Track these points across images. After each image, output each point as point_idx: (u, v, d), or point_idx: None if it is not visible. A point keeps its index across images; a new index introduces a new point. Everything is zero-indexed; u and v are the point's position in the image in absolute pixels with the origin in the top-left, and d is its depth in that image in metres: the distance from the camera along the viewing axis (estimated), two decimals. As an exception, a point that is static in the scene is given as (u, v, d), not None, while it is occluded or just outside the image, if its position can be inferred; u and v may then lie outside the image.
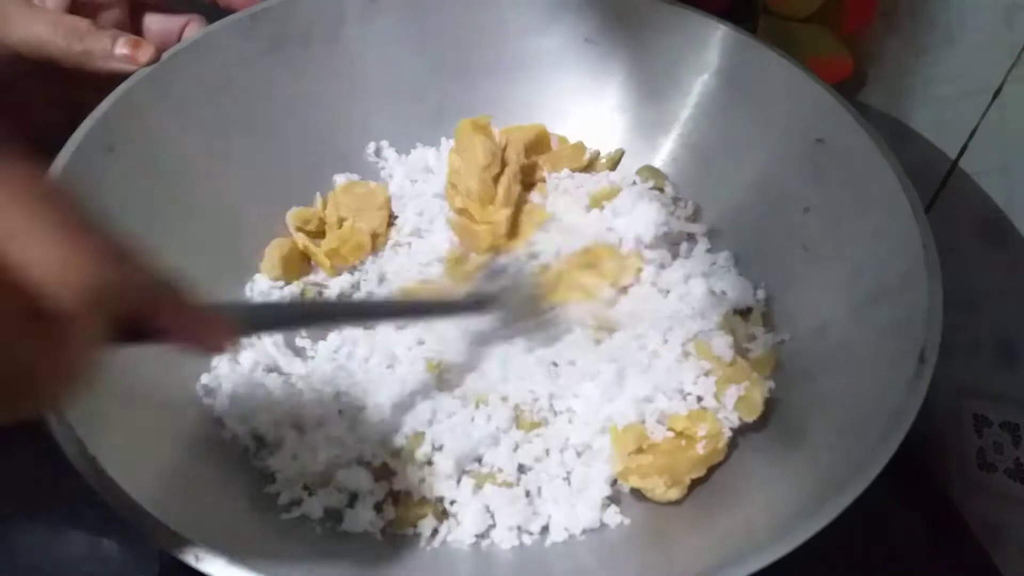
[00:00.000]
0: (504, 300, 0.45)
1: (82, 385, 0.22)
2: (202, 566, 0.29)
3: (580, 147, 0.55)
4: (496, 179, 0.51)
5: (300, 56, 0.51)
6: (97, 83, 0.44)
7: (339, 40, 0.52)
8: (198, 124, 0.47)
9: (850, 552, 0.44)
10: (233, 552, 0.30)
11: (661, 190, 0.52)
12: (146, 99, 0.45)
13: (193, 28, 0.50)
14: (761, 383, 0.42)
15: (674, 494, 0.39)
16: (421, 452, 0.41)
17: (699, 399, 0.42)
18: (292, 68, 0.51)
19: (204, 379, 0.43)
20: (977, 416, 0.49)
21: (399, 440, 0.41)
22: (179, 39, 0.50)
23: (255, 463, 0.41)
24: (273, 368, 0.45)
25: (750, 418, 0.41)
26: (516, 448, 0.42)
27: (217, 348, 0.27)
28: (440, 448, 0.41)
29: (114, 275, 0.21)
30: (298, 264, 0.50)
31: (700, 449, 0.40)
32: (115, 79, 0.44)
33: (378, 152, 0.55)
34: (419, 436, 0.41)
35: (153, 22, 0.50)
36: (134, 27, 0.49)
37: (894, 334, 0.38)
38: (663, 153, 0.55)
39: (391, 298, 0.48)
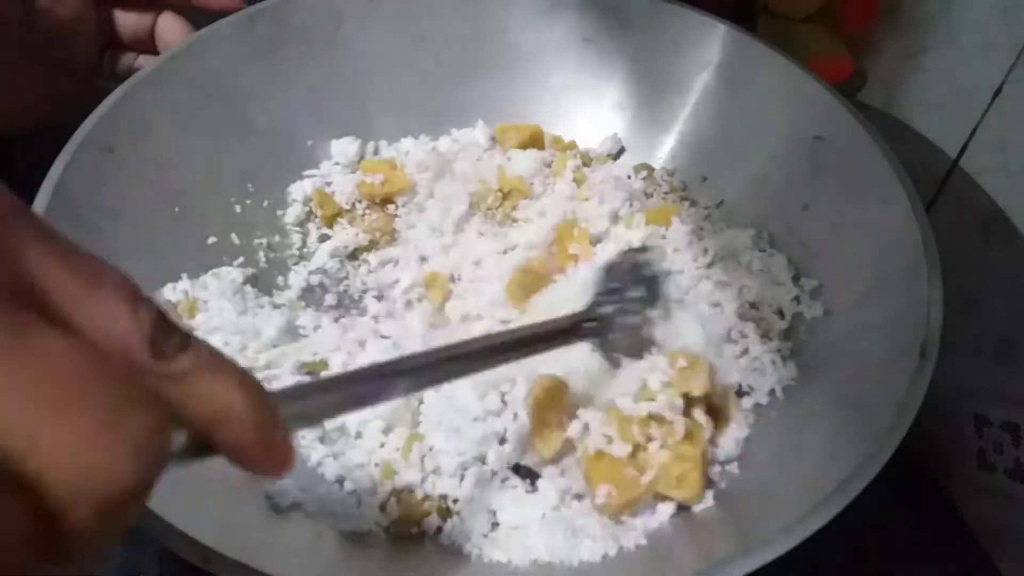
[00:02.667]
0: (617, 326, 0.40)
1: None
2: (209, 567, 0.29)
3: (573, 146, 0.55)
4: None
5: (299, 56, 0.51)
6: (71, 64, 0.43)
7: (337, 40, 0.52)
8: (197, 124, 0.47)
9: (849, 552, 0.44)
10: (240, 552, 0.30)
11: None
12: (145, 100, 0.45)
13: (167, 20, 0.49)
14: (699, 463, 0.38)
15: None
16: (420, 450, 0.41)
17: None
18: (291, 68, 0.51)
19: None
20: (977, 416, 0.49)
21: (400, 438, 0.41)
22: (152, 33, 0.49)
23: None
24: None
25: (688, 499, 0.39)
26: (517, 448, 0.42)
27: (279, 472, 0.22)
28: (441, 447, 0.41)
29: (148, 458, 0.17)
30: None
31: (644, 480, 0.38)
32: (92, 61, 0.43)
33: (376, 151, 0.55)
34: (417, 435, 0.41)
35: (125, 19, 0.49)
36: (102, 19, 0.48)
37: (895, 330, 0.38)
38: (663, 151, 0.55)
39: (477, 341, 0.35)
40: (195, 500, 0.35)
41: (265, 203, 0.51)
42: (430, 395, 0.43)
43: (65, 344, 0.17)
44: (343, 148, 0.53)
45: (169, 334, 0.19)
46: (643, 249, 0.45)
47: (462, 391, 0.42)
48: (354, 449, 0.41)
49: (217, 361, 0.20)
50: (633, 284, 0.42)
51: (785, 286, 0.47)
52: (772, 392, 0.43)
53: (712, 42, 0.51)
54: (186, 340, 0.20)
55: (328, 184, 0.53)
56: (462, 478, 0.40)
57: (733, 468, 0.41)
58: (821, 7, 0.56)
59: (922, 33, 0.51)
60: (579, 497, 0.40)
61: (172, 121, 0.46)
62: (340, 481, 0.40)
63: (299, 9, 0.51)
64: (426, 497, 0.40)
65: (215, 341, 0.42)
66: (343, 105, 0.54)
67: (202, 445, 0.20)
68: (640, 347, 0.42)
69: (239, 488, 0.39)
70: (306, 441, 0.42)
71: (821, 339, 0.44)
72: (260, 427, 0.20)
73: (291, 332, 0.46)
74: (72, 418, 0.16)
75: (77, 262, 0.18)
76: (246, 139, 0.50)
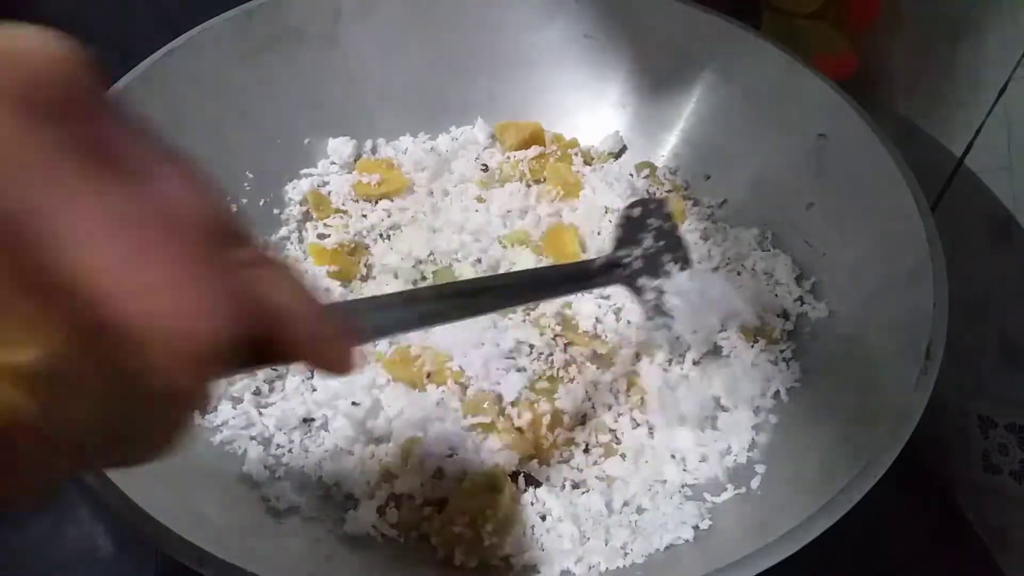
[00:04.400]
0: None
1: (177, 443, 0.18)
2: (205, 569, 0.29)
3: (574, 144, 0.55)
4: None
5: (296, 53, 0.51)
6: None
7: (335, 36, 0.52)
8: (194, 122, 0.47)
9: (854, 553, 0.44)
10: (236, 556, 0.30)
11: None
12: (141, 97, 0.44)
13: None
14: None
15: None
16: (419, 455, 0.40)
17: None
18: (288, 65, 0.51)
19: None
20: (982, 418, 0.48)
21: (398, 443, 0.41)
22: None
23: (255, 467, 0.40)
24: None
25: None
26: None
27: (345, 370, 0.21)
28: (441, 451, 0.41)
29: (237, 316, 0.17)
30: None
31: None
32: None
33: (374, 149, 0.55)
34: (416, 439, 0.41)
35: None
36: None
37: (900, 330, 0.38)
38: (665, 149, 0.54)
39: (520, 273, 0.41)
40: (192, 503, 0.34)
41: (262, 202, 0.50)
42: (430, 397, 0.42)
43: (155, 201, 0.16)
44: (340, 147, 0.53)
45: (234, 222, 0.19)
46: (652, 201, 0.44)
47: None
48: (352, 453, 0.41)
49: (277, 260, 0.19)
50: (649, 235, 0.41)
51: (789, 287, 0.46)
52: (776, 394, 0.43)
53: (715, 39, 0.51)
54: (248, 234, 0.19)
55: (324, 184, 0.53)
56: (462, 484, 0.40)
57: (738, 471, 0.41)
58: (825, 3, 0.55)
59: (927, 30, 0.50)
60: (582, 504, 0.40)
61: (168, 119, 0.46)
62: (337, 484, 0.40)
63: (296, 6, 0.50)
64: (425, 502, 0.39)
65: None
66: (341, 103, 0.53)
67: (261, 351, 0.19)
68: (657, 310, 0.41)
69: (237, 491, 0.38)
70: (304, 441, 0.41)
71: (825, 340, 0.44)
72: (321, 319, 0.20)
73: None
74: (160, 264, 0.15)
75: (154, 137, 0.18)
76: (243, 137, 0.49)
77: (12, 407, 0.15)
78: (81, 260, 0.15)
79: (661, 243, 0.41)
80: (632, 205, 0.42)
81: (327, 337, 0.20)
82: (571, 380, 0.43)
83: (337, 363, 0.21)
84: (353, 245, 0.49)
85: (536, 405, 0.42)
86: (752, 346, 0.44)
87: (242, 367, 0.19)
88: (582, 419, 0.43)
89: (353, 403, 0.42)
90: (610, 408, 0.43)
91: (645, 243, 0.41)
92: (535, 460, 0.41)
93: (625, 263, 0.40)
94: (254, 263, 0.19)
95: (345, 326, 0.21)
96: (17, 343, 0.14)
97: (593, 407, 0.43)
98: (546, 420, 0.41)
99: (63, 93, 0.16)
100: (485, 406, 0.42)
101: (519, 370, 0.43)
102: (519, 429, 0.41)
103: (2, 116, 0.15)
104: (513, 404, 0.42)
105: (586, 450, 0.42)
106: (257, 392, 0.43)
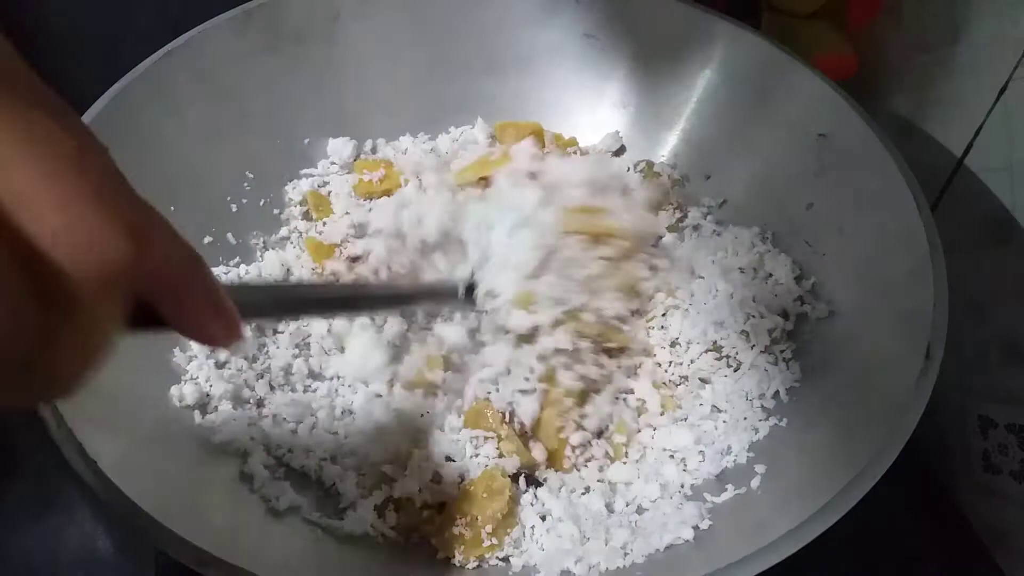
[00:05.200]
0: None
1: (91, 374, 0.19)
2: (205, 569, 0.29)
3: (573, 143, 0.55)
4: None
5: (295, 52, 0.51)
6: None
7: (334, 36, 0.52)
8: (193, 122, 0.47)
9: (854, 553, 0.44)
10: (236, 556, 0.30)
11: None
12: (141, 98, 0.44)
13: None
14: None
15: None
16: (418, 459, 0.40)
17: None
18: (287, 64, 0.51)
19: (174, 389, 0.41)
20: (982, 418, 0.48)
21: (396, 447, 0.41)
22: None
23: (255, 467, 0.40)
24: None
25: None
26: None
27: (224, 342, 0.23)
28: (439, 456, 0.41)
29: (139, 250, 0.18)
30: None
31: None
32: None
33: (374, 149, 0.55)
34: (415, 442, 0.41)
35: None
36: None
37: (900, 331, 0.38)
38: (665, 149, 0.54)
39: (395, 284, 0.45)
40: (192, 503, 0.34)
41: (262, 202, 0.50)
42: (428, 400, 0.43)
43: (60, 127, 0.17)
44: (339, 148, 0.53)
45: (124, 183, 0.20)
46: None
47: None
48: (353, 454, 0.41)
49: (168, 224, 0.21)
50: None
51: (789, 286, 0.46)
52: (776, 394, 0.43)
53: (715, 39, 0.51)
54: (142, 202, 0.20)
55: (324, 184, 0.53)
56: (459, 487, 0.40)
57: (738, 471, 0.41)
58: (825, 3, 0.55)
59: (927, 30, 0.50)
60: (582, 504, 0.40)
61: (168, 119, 0.46)
62: (336, 485, 0.40)
63: (296, 6, 0.50)
64: (425, 506, 0.39)
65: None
66: (340, 103, 0.53)
67: (149, 316, 0.21)
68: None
69: (237, 491, 0.38)
70: (303, 443, 0.41)
71: (825, 340, 0.44)
72: (209, 286, 0.21)
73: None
74: (76, 183, 0.17)
75: (59, 102, 0.19)
76: (242, 137, 0.49)
77: None
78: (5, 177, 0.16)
79: None
80: None
81: (214, 304, 0.22)
82: (572, 382, 0.43)
83: (219, 331, 0.23)
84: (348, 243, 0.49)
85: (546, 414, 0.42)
86: (752, 347, 0.44)
87: (136, 326, 0.20)
88: (583, 419, 0.43)
89: (351, 410, 0.42)
90: (610, 408, 0.43)
91: None
92: (549, 467, 0.41)
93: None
94: (154, 219, 0.20)
95: (227, 302, 0.23)
96: None
97: (594, 408, 0.44)
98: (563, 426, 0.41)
99: None
100: (488, 415, 0.42)
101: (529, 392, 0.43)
102: (522, 436, 0.41)
103: None
104: (532, 430, 0.42)
105: (588, 453, 0.42)
106: (264, 386, 0.43)
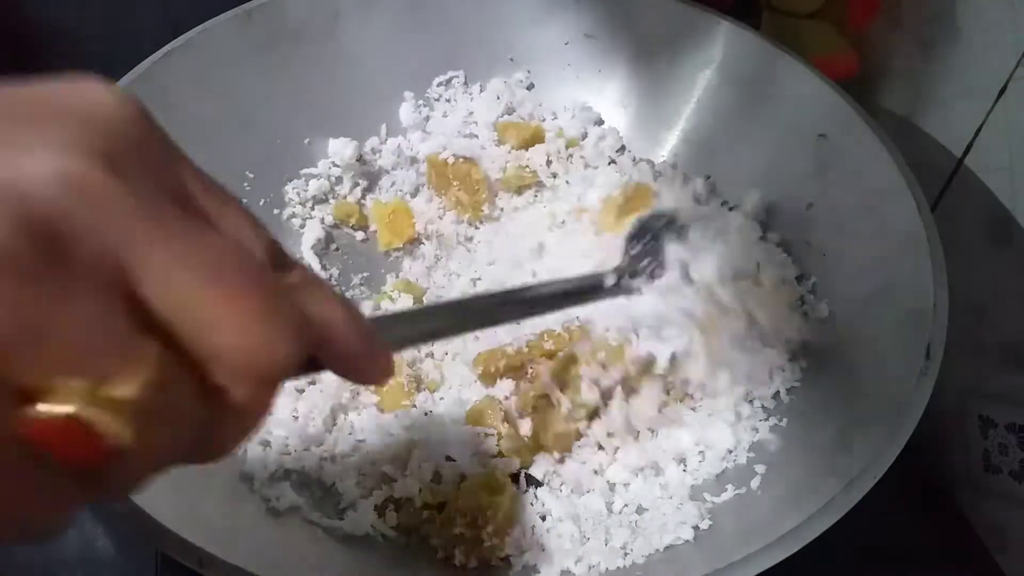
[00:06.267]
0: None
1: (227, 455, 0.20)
2: (205, 570, 0.29)
3: (574, 143, 0.55)
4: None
5: (296, 51, 0.51)
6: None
7: (335, 35, 0.52)
8: (193, 122, 0.47)
9: (854, 553, 0.44)
10: (235, 555, 0.30)
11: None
12: (142, 98, 0.44)
13: None
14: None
15: None
16: (418, 459, 0.40)
17: None
18: (288, 65, 0.51)
19: None
20: (982, 418, 0.48)
21: (396, 447, 0.41)
22: None
23: (255, 467, 0.40)
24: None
25: None
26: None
27: (381, 382, 0.24)
28: (439, 456, 0.41)
29: (302, 339, 0.19)
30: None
31: None
32: None
33: (374, 150, 0.55)
34: (415, 443, 0.41)
35: None
36: None
37: (900, 330, 0.38)
38: (665, 149, 0.54)
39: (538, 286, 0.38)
40: (192, 503, 0.34)
41: (262, 202, 0.50)
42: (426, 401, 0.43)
43: (229, 240, 0.18)
44: (340, 148, 0.53)
45: (282, 250, 0.21)
46: (666, 214, 0.44)
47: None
48: (353, 455, 0.41)
49: (320, 280, 0.22)
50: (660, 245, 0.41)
51: (789, 286, 0.46)
52: (776, 394, 0.43)
53: (715, 39, 0.51)
54: (293, 259, 0.21)
55: (338, 181, 0.53)
56: (459, 488, 0.40)
57: (738, 471, 0.41)
58: (825, 3, 0.55)
59: (927, 30, 0.50)
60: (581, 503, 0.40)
61: (168, 119, 0.45)
62: (336, 485, 0.40)
63: (296, 6, 0.50)
64: (425, 506, 0.39)
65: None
66: (341, 103, 0.53)
67: (309, 361, 0.21)
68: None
69: (237, 491, 0.38)
70: (303, 443, 0.41)
71: (825, 340, 0.44)
72: (363, 336, 0.21)
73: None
74: (242, 301, 0.17)
75: (212, 181, 0.21)
76: (242, 137, 0.49)
77: (114, 436, 0.16)
78: (174, 296, 0.17)
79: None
80: (647, 217, 0.42)
81: (367, 353, 0.22)
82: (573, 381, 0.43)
83: (375, 375, 0.23)
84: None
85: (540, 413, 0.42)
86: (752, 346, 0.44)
87: (292, 376, 0.20)
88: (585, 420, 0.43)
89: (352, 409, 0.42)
90: (610, 410, 0.43)
91: (655, 256, 0.41)
92: (545, 456, 0.41)
93: (637, 274, 0.40)
94: (303, 284, 0.21)
95: (381, 341, 0.23)
96: (118, 376, 0.16)
97: (594, 409, 0.44)
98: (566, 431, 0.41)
99: (139, 145, 0.18)
100: (490, 413, 0.42)
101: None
102: (523, 437, 0.41)
103: (95, 171, 0.16)
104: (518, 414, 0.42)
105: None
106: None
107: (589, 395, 0.42)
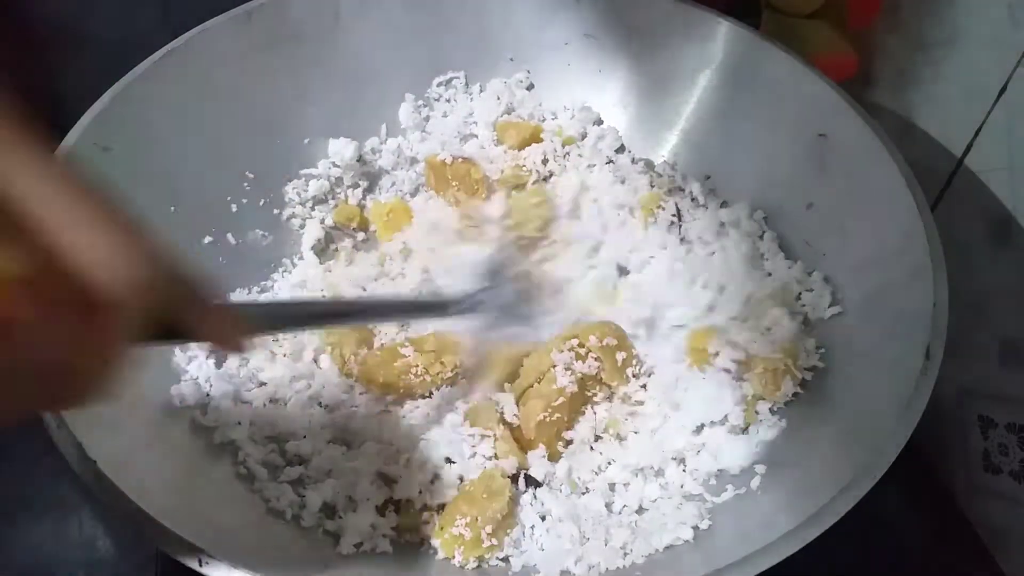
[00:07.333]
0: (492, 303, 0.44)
1: (114, 382, 0.22)
2: (205, 569, 0.29)
3: (571, 141, 0.55)
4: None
5: (296, 52, 0.51)
6: None
7: (335, 35, 0.52)
8: (194, 122, 0.47)
9: (854, 553, 0.44)
10: (236, 555, 0.30)
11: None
12: (141, 98, 0.44)
13: None
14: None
15: None
16: (418, 460, 0.40)
17: None
18: (288, 64, 0.51)
19: (174, 389, 0.41)
20: (982, 418, 0.48)
21: (396, 448, 0.41)
22: None
23: (255, 467, 0.40)
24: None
25: None
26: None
27: (237, 348, 0.28)
28: (438, 457, 0.41)
29: (159, 270, 0.22)
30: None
31: None
32: None
33: (374, 150, 0.55)
34: (415, 444, 0.41)
35: None
36: None
37: (900, 331, 0.38)
38: (665, 149, 0.54)
39: (397, 297, 0.48)
40: (192, 503, 0.34)
41: (262, 202, 0.50)
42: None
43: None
44: (340, 148, 0.53)
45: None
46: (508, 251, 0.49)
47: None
48: (354, 457, 0.41)
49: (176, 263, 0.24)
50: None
51: (789, 286, 0.46)
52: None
53: (715, 39, 0.51)
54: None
55: (338, 181, 0.53)
56: (458, 489, 0.40)
57: (738, 471, 0.41)
58: (825, 3, 0.55)
59: (927, 30, 0.50)
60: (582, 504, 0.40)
61: (168, 119, 0.46)
62: (336, 484, 0.40)
63: (296, 6, 0.50)
64: (425, 507, 0.39)
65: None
66: (341, 103, 0.53)
67: (170, 330, 0.24)
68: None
69: (237, 491, 0.38)
70: (304, 442, 0.41)
71: (826, 340, 0.44)
72: (219, 305, 0.26)
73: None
74: (101, 213, 0.21)
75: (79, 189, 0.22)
76: (242, 137, 0.49)
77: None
78: (49, 217, 0.20)
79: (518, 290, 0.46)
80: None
81: (223, 317, 0.26)
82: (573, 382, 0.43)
83: (229, 341, 0.27)
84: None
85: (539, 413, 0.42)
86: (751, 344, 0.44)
87: (155, 337, 0.23)
88: (583, 420, 0.43)
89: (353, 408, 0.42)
90: (611, 409, 0.43)
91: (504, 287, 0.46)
92: (542, 457, 0.41)
93: (479, 302, 0.44)
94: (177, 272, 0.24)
95: (237, 313, 0.28)
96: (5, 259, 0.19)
97: (593, 410, 0.44)
98: (547, 420, 0.41)
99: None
100: (487, 414, 0.42)
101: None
102: (519, 439, 0.41)
103: None
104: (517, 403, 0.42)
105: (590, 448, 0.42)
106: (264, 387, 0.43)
107: (563, 380, 0.42)
